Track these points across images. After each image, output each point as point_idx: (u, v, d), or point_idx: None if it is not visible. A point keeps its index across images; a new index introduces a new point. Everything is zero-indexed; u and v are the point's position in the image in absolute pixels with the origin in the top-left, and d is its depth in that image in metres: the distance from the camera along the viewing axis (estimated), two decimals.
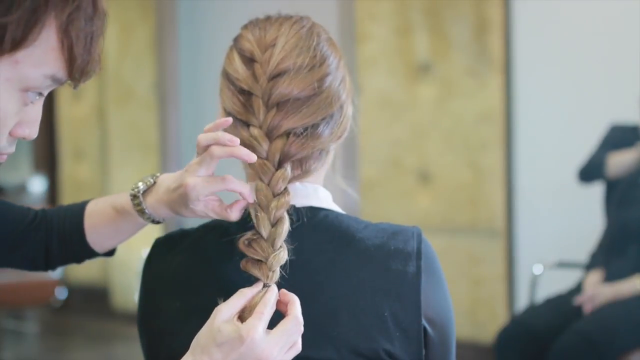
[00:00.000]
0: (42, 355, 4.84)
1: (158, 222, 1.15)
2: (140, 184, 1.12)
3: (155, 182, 1.11)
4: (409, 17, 4.06)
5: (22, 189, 5.82)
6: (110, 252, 1.23)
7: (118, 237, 1.20)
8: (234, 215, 1.01)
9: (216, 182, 1.00)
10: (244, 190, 1.00)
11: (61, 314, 5.46)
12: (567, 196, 3.68)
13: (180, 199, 1.03)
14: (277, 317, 0.94)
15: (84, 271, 5.67)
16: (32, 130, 0.84)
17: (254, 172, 1.02)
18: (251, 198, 1.00)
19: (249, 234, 0.98)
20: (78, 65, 0.81)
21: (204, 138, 1.00)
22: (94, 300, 5.52)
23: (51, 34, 0.79)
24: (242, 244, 0.98)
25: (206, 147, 1.00)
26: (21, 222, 1.19)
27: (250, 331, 0.89)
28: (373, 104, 4.17)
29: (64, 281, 5.24)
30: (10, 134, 0.83)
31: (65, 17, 0.79)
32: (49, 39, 0.79)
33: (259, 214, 0.98)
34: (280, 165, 1.02)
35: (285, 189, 1.01)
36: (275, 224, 0.98)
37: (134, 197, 1.11)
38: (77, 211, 1.20)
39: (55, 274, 4.65)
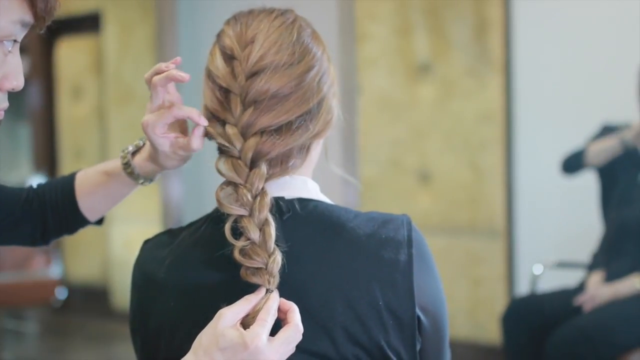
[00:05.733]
0: (42, 355, 4.83)
1: (149, 182, 1.21)
2: (129, 146, 1.19)
3: (144, 144, 1.18)
4: (409, 17, 4.06)
5: None
6: (100, 221, 1.30)
7: (110, 201, 1.26)
8: (195, 144, 1.05)
9: (164, 113, 1.06)
10: (192, 114, 1.04)
11: (61, 314, 5.46)
12: (567, 196, 3.68)
13: (152, 147, 1.08)
14: (275, 323, 0.94)
15: (84, 271, 5.67)
16: (18, 81, 0.89)
17: (230, 173, 1.01)
18: (203, 121, 1.03)
19: (240, 243, 0.97)
20: (40, 6, 0.86)
21: (147, 73, 1.06)
22: (94, 300, 5.52)
23: None
24: (238, 255, 0.96)
25: (150, 81, 1.05)
26: (17, 204, 1.25)
27: (255, 339, 0.90)
28: (373, 104, 4.17)
29: (64, 281, 5.24)
30: None
31: None
32: None
33: (244, 220, 0.98)
34: (253, 164, 1.01)
35: (263, 188, 1.00)
36: (262, 226, 0.98)
37: (123, 158, 1.19)
38: (68, 181, 1.26)
39: (55, 274, 4.65)
